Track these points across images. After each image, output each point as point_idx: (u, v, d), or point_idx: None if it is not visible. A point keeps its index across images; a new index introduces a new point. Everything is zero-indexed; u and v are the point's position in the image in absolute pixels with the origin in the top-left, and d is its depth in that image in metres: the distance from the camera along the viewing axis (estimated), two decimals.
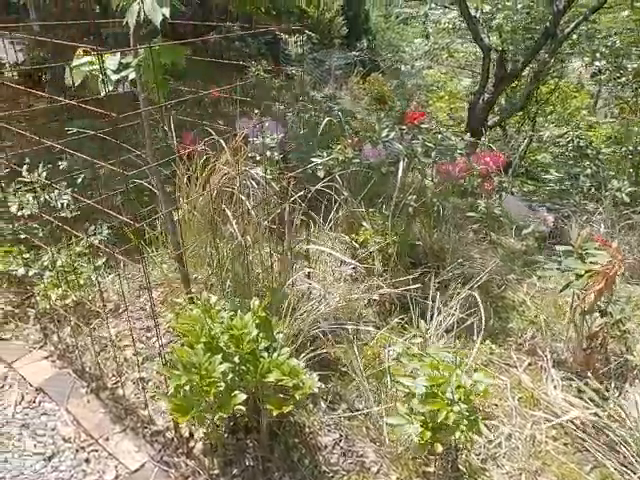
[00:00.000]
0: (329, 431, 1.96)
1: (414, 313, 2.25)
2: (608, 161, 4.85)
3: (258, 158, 2.99)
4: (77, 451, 1.84)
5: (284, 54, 10.20)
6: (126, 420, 1.95)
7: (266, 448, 1.82)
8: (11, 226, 2.68)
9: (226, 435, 1.84)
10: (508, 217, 3.39)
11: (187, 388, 1.42)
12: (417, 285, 2.44)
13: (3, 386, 2.13)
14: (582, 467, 1.88)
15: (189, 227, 2.64)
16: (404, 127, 2.61)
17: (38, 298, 2.34)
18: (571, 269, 1.95)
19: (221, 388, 1.43)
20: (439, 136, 2.57)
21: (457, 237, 2.94)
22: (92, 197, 3.14)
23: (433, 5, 10.59)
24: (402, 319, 2.44)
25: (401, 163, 2.31)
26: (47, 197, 2.74)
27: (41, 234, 2.71)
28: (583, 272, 2.00)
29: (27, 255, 2.37)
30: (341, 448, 1.90)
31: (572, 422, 1.93)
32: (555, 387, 2.13)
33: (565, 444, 1.95)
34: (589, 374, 2.11)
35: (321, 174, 2.90)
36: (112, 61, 1.95)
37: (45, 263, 2.55)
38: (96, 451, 1.84)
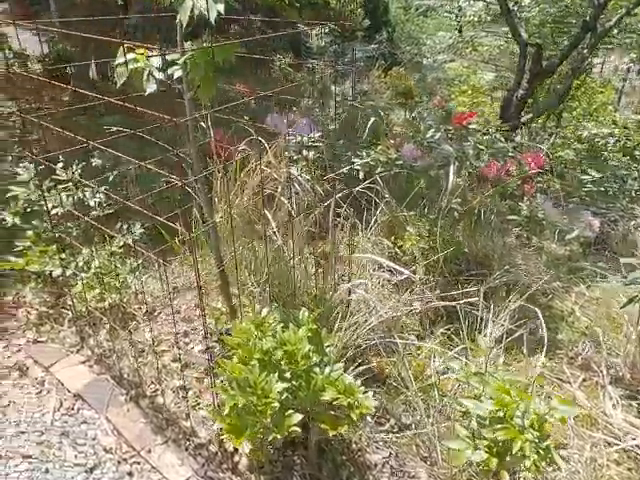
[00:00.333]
0: (377, 448, 1.88)
1: (464, 324, 2.15)
2: None
3: (295, 157, 2.90)
4: (119, 463, 1.78)
5: (305, 47, 10.05)
6: (167, 431, 1.89)
7: (314, 466, 1.74)
8: (45, 225, 2.63)
9: (272, 451, 1.77)
10: (550, 220, 3.26)
11: (241, 407, 1.34)
12: (469, 297, 2.33)
13: (41, 391, 2.08)
14: None
15: (227, 229, 2.57)
16: (450, 128, 2.49)
17: (75, 300, 2.29)
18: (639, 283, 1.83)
19: (276, 408, 1.35)
20: (486, 137, 2.45)
21: (502, 243, 2.82)
22: (124, 195, 3.08)
23: None
24: (448, 329, 2.33)
25: (452, 167, 2.20)
26: (81, 195, 2.68)
27: (75, 233, 2.66)
28: None
29: (62, 255, 2.31)
30: (391, 467, 1.82)
31: (637, 446, 1.82)
32: (614, 406, 2.02)
33: (629, 469, 1.84)
34: None
35: (361, 175, 2.80)
36: (157, 58, 1.87)
37: (80, 264, 2.50)
38: (138, 463, 1.78)
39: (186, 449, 1.82)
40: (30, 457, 1.79)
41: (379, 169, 2.64)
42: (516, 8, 4.76)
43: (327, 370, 1.62)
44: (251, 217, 2.40)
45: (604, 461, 1.85)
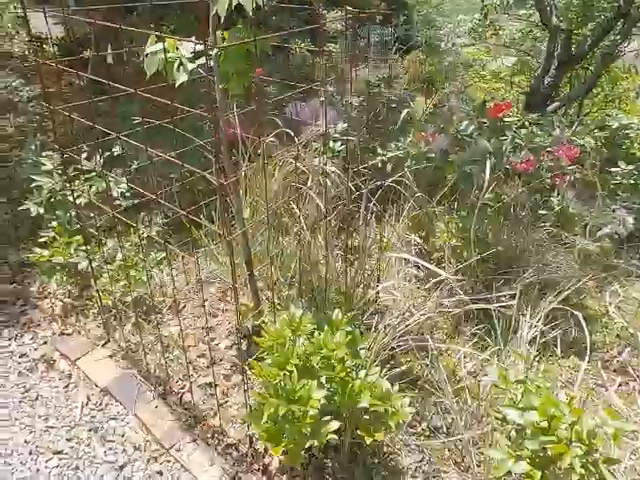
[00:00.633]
0: (410, 452, 1.84)
1: (497, 324, 2.09)
2: None
3: (321, 149, 2.82)
4: (148, 461, 1.77)
5: (321, 31, 9.83)
6: (196, 429, 1.87)
7: (347, 469, 1.71)
8: (69, 215, 2.61)
9: (304, 454, 1.74)
10: (580, 216, 3.16)
11: (280, 415, 1.30)
12: (501, 296, 2.26)
13: (68, 385, 2.07)
14: None
15: (251, 222, 2.52)
16: (484, 120, 2.40)
17: (100, 293, 2.26)
18: None
19: (316, 417, 1.31)
20: (523, 131, 2.35)
21: (532, 239, 2.73)
22: (146, 184, 3.04)
23: None
24: (479, 329, 2.28)
25: (488, 162, 2.12)
26: (105, 185, 2.64)
27: (99, 224, 2.63)
28: None
29: (86, 247, 2.28)
30: (424, 472, 1.78)
31: None
32: None
33: None
34: None
35: (388, 168, 2.72)
36: (187, 48, 1.80)
37: (105, 256, 2.47)
38: (168, 462, 1.77)
39: (215, 448, 1.80)
40: (60, 453, 1.79)
41: (408, 162, 2.56)
42: None
43: (362, 373, 1.58)
44: (278, 211, 2.34)
45: None
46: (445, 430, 1.95)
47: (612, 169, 4.20)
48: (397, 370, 1.90)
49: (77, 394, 2.03)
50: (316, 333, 1.56)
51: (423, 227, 2.65)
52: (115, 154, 3.05)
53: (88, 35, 6.27)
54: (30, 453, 1.78)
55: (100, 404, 1.99)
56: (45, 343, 2.27)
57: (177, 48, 1.78)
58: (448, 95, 7.26)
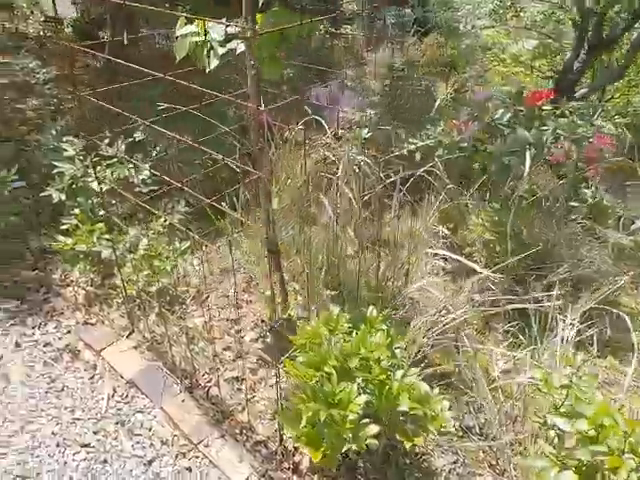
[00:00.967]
0: (443, 453, 1.79)
1: (534, 322, 2.02)
2: None
3: (347, 136, 2.74)
4: (177, 457, 1.74)
5: (337, 12, 9.62)
6: (224, 424, 1.84)
7: (379, 470, 1.67)
8: (90, 202, 2.56)
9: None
10: (613, 208, 3.05)
11: (321, 420, 1.25)
12: (535, 292, 2.19)
13: (93, 376, 2.05)
14: None
15: (277, 211, 2.45)
16: (521, 108, 2.29)
17: (124, 283, 2.22)
18: None
19: (357, 422, 1.26)
20: (561, 120, 2.24)
21: (565, 232, 2.64)
22: (167, 171, 2.98)
23: None
24: (512, 326, 2.20)
25: (528, 153, 2.02)
26: (127, 172, 2.59)
27: (121, 212, 2.59)
28: None
29: (109, 236, 2.23)
30: (458, 475, 1.73)
31: None
32: None
33: None
34: None
35: (417, 157, 2.63)
36: (218, 31, 1.72)
37: (128, 245, 2.43)
38: (197, 458, 1.74)
39: (244, 445, 1.77)
40: (87, 446, 1.77)
41: (439, 151, 2.47)
42: None
43: (399, 374, 1.52)
44: (305, 200, 2.27)
45: None
46: (478, 430, 1.90)
47: None
48: (429, 369, 1.84)
49: (103, 385, 2.00)
50: (347, 327, 1.51)
51: (452, 219, 2.56)
52: (137, 140, 3.00)
53: (103, 16, 6.16)
54: (57, 445, 1.76)
55: (126, 396, 1.96)
56: (69, 332, 2.25)
57: (207, 31, 1.70)
58: (468, 80, 7.08)
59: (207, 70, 1.67)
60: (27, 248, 2.74)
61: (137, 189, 2.65)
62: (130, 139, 2.68)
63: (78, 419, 1.86)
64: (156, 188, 2.72)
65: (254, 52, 1.63)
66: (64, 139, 2.69)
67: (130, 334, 2.21)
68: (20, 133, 4.07)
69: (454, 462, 1.76)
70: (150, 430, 1.83)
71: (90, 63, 5.85)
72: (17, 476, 1.67)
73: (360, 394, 1.31)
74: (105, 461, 1.72)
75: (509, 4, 10.64)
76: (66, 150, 2.53)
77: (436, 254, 2.51)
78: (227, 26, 1.72)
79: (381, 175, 2.10)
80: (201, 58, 1.70)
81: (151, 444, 1.78)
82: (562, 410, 1.50)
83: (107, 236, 2.41)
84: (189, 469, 1.70)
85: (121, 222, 2.64)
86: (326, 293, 2.25)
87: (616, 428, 1.28)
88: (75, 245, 2.34)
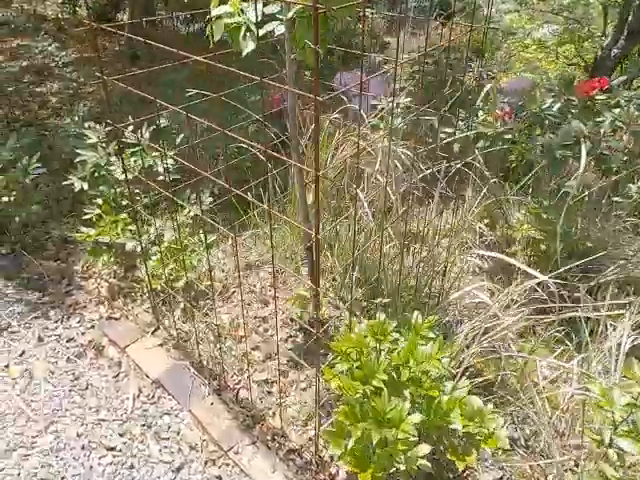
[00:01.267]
0: (487, 467, 1.69)
1: (585, 329, 1.88)
2: None
3: (381, 125, 2.60)
4: (206, 464, 1.66)
5: None
6: (255, 430, 1.75)
7: None
8: (113, 191, 2.47)
9: None
10: None
11: (374, 443, 1.14)
12: (578, 294, 2.05)
13: (118, 374, 1.97)
14: None
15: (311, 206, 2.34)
16: (572, 98, 2.13)
17: (149, 277, 2.13)
18: None
19: (411, 443, 1.16)
20: (616, 110, 2.07)
21: (610, 230, 2.48)
22: (190, 159, 2.87)
23: None
24: (558, 331, 2.07)
25: (583, 147, 1.87)
26: (151, 161, 2.49)
27: (145, 202, 2.49)
28: None
29: (137, 228, 2.14)
30: None
31: None
32: None
33: None
34: None
35: (455, 149, 2.49)
36: (254, 13, 1.59)
37: (152, 237, 2.34)
38: (227, 465, 1.66)
39: (277, 453, 1.68)
40: (113, 449, 1.69)
41: (480, 143, 2.32)
42: None
43: (448, 387, 1.41)
44: (338, 194, 2.15)
45: None
46: (523, 442, 1.79)
47: None
48: (475, 379, 1.73)
49: (128, 385, 1.93)
50: (396, 337, 1.40)
51: (491, 215, 2.42)
52: (161, 126, 2.89)
53: None
54: (82, 448, 1.69)
55: (152, 397, 1.88)
56: (92, 327, 2.17)
57: (242, 11, 1.58)
58: (493, 66, 6.84)
59: (243, 54, 1.55)
60: (48, 238, 2.67)
61: (160, 178, 2.54)
62: (154, 126, 2.57)
63: (103, 420, 1.79)
64: (179, 177, 2.62)
65: (297, 35, 1.50)
66: (86, 125, 2.59)
67: (155, 330, 2.13)
68: (40, 117, 3.99)
69: (500, 478, 1.66)
70: (178, 434, 1.75)
71: (108, 46, 5.74)
72: (41, 479, 1.60)
73: (413, 412, 1.20)
74: (132, 466, 1.65)
75: None
76: (89, 137, 2.43)
77: (471, 250, 2.39)
78: (265, 5, 1.59)
79: (422, 167, 1.96)
80: (236, 41, 1.57)
81: (179, 449, 1.70)
82: (625, 429, 1.38)
83: (131, 227, 2.32)
84: (219, 478, 1.61)
85: (144, 212, 2.55)
86: (360, 292, 2.14)
87: None
88: (98, 236, 2.25)
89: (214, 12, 1.55)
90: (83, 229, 2.25)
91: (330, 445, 1.24)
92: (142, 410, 1.83)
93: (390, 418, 1.17)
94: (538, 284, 2.13)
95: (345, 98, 2.35)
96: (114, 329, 2.14)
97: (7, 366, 1.97)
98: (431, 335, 1.47)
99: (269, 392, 1.88)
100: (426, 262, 1.96)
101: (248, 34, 1.58)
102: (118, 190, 2.48)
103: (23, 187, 2.47)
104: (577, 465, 1.68)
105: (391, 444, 1.16)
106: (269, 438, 1.72)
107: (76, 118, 2.65)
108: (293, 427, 1.76)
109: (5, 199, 2.31)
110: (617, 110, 2.07)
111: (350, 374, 1.36)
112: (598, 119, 1.97)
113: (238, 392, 1.88)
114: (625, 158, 2.39)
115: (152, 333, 2.12)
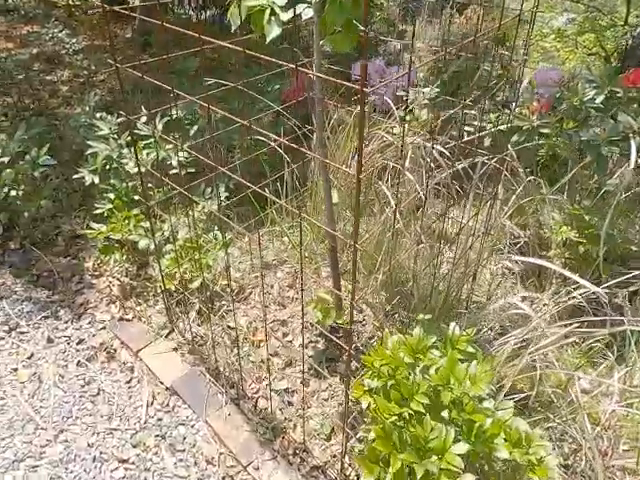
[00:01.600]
0: None
1: (630, 341, 1.75)
2: None
3: (407, 118, 2.46)
4: (224, 479, 1.56)
5: None
6: (275, 443, 1.65)
7: None
8: (125, 185, 2.36)
9: None
10: None
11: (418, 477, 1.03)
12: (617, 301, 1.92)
13: (131, 380, 1.88)
14: None
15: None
16: (617, 90, 1.97)
17: (163, 277, 2.02)
18: None
19: (453, 473, 1.04)
20: None
21: None
22: (204, 151, 2.75)
23: None
24: (597, 340, 1.94)
25: (633, 143, 1.72)
26: (165, 154, 2.38)
27: (158, 197, 2.38)
28: None
29: (151, 225, 2.03)
30: None
31: None
32: None
33: None
34: None
35: (486, 143, 2.34)
36: None
37: (166, 233, 2.23)
38: None
39: (299, 469, 1.58)
40: (126, 462, 1.60)
41: (515, 137, 2.17)
42: None
43: (488, 405, 1.29)
44: (364, 191, 2.02)
45: None
46: (562, 461, 1.67)
47: None
48: (509, 393, 1.60)
49: (141, 391, 1.83)
50: (436, 355, 1.28)
51: (524, 214, 2.28)
52: (173, 117, 2.77)
53: None
54: (94, 460, 1.60)
55: (166, 405, 1.78)
56: (104, 328, 2.08)
57: None
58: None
59: (267, 40, 1.41)
60: (58, 232, 2.58)
61: (173, 171, 2.43)
62: (167, 117, 2.45)
63: (115, 429, 1.70)
64: (194, 170, 2.51)
65: (327, 19, 1.36)
66: (97, 115, 2.48)
67: (169, 333, 2.03)
68: (50, 106, 3.89)
69: None
70: (194, 446, 1.65)
71: (119, 33, 5.62)
72: None
73: (458, 440, 1.08)
74: None
75: None
76: (100, 129, 2.32)
77: (502, 253, 2.25)
78: None
79: (454, 163, 1.83)
80: (260, 25, 1.44)
81: (195, 463, 1.60)
82: None
83: (144, 224, 2.22)
84: None
85: (157, 207, 2.45)
86: (384, 295, 2.02)
87: None
88: (110, 233, 2.15)
89: None
90: (94, 225, 2.15)
91: (362, 473, 1.13)
92: (156, 419, 1.74)
93: (432, 447, 1.06)
94: (575, 288, 1.99)
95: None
96: (126, 331, 2.05)
97: (16, 369, 1.88)
98: (470, 349, 1.35)
99: (289, 402, 1.78)
100: (458, 265, 1.83)
101: (273, 18, 1.44)
102: (130, 184, 2.37)
103: (32, 180, 2.37)
104: None
105: (432, 475, 1.05)
106: (290, 453, 1.62)
107: (87, 108, 2.54)
108: (316, 441, 1.66)
109: (13, 193, 2.21)
110: None
111: (383, 393, 1.24)
112: None
113: (257, 401, 1.78)
114: None
115: (166, 336, 2.02)
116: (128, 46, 5.06)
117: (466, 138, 2.11)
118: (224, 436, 1.65)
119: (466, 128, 2.58)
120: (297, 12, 1.47)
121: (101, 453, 1.62)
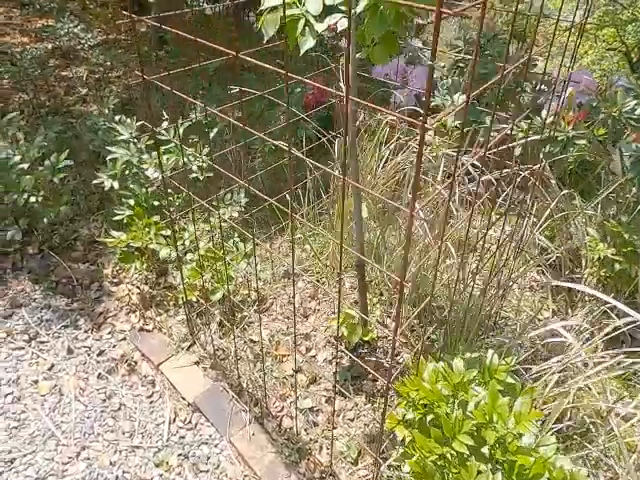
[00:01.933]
0: None
1: None
2: None
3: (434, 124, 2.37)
4: None
5: None
6: (301, 465, 1.61)
7: None
8: (144, 190, 2.31)
9: None
10: None
11: None
12: None
13: (152, 395, 1.84)
14: None
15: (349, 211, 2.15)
16: None
17: (185, 289, 1.97)
18: None
19: None
20: None
21: None
22: (225, 156, 2.69)
23: None
24: (634, 362, 1.87)
25: None
26: (185, 160, 2.32)
27: (178, 204, 2.33)
28: None
29: (173, 234, 1.97)
30: None
31: None
32: None
33: None
34: None
35: (517, 152, 2.26)
36: (314, 4, 1.39)
37: (187, 242, 2.18)
38: None
39: None
40: None
41: (547, 147, 2.09)
42: None
43: (528, 440, 1.23)
44: (388, 204, 1.95)
45: None
46: None
47: None
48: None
49: (163, 407, 1.80)
50: (478, 390, 1.22)
51: (555, 228, 2.21)
52: (193, 121, 2.72)
53: None
54: (116, 479, 1.57)
55: (189, 422, 1.75)
56: (124, 339, 2.04)
57: (300, 1, 1.38)
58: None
59: (302, 52, 1.35)
60: (76, 237, 2.54)
61: (192, 175, 2.38)
62: (187, 121, 2.39)
63: (137, 447, 1.67)
64: (212, 174, 2.45)
65: (366, 30, 1.30)
66: (116, 118, 2.43)
67: (190, 346, 1.99)
68: (66, 104, 3.85)
69: None
70: (217, 467, 1.61)
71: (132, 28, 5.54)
72: None
73: None
74: None
75: None
76: (120, 133, 2.27)
77: (532, 264, 2.18)
78: None
79: (488, 175, 1.76)
80: (293, 37, 1.37)
81: None
82: None
83: (164, 232, 2.17)
84: None
85: (176, 214, 2.40)
86: (412, 311, 1.96)
87: None
88: (130, 241, 2.11)
89: (268, 2, 1.36)
90: (114, 233, 2.11)
91: None
92: (179, 437, 1.71)
93: None
94: (611, 308, 1.92)
95: (400, 97, 2.14)
96: (147, 343, 2.01)
97: (36, 381, 1.86)
98: (509, 380, 1.29)
99: (314, 422, 1.73)
100: (491, 282, 1.77)
101: (307, 29, 1.38)
102: (150, 190, 2.33)
103: (52, 185, 2.33)
104: None
105: None
106: (317, 477, 1.58)
107: (106, 111, 2.49)
108: (342, 465, 1.61)
109: (33, 199, 2.18)
110: None
111: (420, 427, 1.19)
112: None
113: (281, 420, 1.74)
114: None
115: (187, 349, 1.98)
116: (144, 42, 5.00)
117: (494, 149, 2.03)
118: (248, 457, 1.61)
119: (493, 134, 2.50)
120: (332, 22, 1.41)
121: (124, 472, 1.59)
